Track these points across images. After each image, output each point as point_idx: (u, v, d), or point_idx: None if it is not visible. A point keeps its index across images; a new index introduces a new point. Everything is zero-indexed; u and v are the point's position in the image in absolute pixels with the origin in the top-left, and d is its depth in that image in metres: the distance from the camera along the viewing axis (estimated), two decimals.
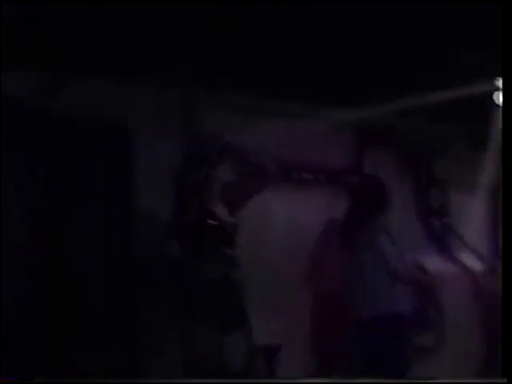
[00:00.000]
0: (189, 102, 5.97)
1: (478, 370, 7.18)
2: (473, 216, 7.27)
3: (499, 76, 6.43)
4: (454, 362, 6.86)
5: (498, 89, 6.56)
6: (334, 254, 6.10)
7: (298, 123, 6.32)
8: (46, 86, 5.06)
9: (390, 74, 6.04)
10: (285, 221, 6.39)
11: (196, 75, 5.81)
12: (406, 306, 5.70)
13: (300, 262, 6.32)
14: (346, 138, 6.97)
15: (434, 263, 6.24)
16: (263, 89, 6.08)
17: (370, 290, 5.58)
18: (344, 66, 5.94)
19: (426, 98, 6.28)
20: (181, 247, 4.91)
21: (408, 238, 6.15)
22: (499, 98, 6.60)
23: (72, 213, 5.27)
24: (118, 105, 5.52)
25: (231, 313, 4.83)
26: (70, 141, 5.25)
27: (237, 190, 5.01)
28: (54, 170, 5.17)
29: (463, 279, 7.34)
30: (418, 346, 5.98)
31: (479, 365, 7.28)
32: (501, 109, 4.56)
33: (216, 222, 4.88)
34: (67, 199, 5.25)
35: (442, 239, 7.20)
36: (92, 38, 5.05)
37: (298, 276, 6.29)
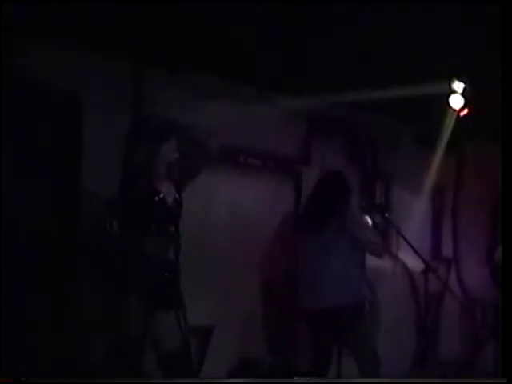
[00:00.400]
0: (138, 80, 5.90)
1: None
2: (415, 214, 7.35)
3: (459, 79, 6.53)
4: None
5: (455, 92, 6.64)
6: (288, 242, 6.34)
7: (247, 107, 6.28)
8: None
9: (344, 66, 6.05)
10: (229, 204, 6.38)
11: (146, 53, 5.77)
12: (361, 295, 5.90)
13: (242, 247, 6.34)
14: (295, 126, 6.96)
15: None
16: (215, 70, 6.05)
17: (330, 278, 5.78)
18: (298, 54, 5.93)
19: (379, 92, 6.31)
20: (122, 223, 4.84)
21: None
22: (455, 101, 6.68)
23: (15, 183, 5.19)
24: (69, 78, 5.43)
25: (166, 292, 4.79)
26: (18, 108, 5.15)
27: (182, 168, 4.96)
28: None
29: (399, 274, 7.45)
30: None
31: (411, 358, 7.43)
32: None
33: (160, 200, 4.83)
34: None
35: (383, 234, 7.26)
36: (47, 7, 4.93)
37: (238, 261, 6.30)
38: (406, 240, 6.45)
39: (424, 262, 6.44)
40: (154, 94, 5.86)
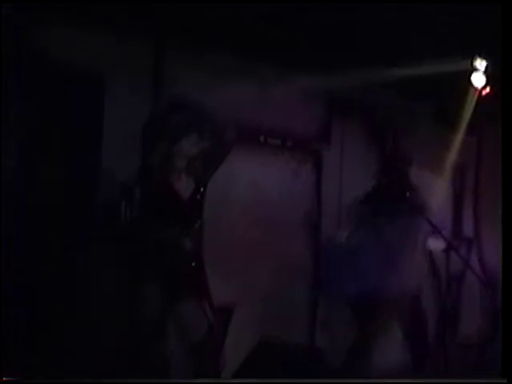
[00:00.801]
0: (157, 60, 5.88)
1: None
2: (436, 193, 7.30)
3: (481, 57, 6.44)
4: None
5: (477, 70, 6.54)
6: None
7: (267, 87, 6.25)
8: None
9: (364, 44, 6.00)
10: (249, 184, 6.37)
11: (165, 33, 5.74)
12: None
13: (264, 228, 6.32)
14: (315, 106, 6.92)
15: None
16: (234, 49, 6.01)
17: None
18: (318, 33, 5.88)
19: (399, 71, 6.25)
20: (143, 212, 4.82)
21: None
22: (477, 80, 6.58)
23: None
24: (92, 61, 5.40)
25: (189, 279, 4.80)
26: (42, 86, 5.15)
27: (202, 162, 4.93)
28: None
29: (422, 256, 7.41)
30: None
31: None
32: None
33: (180, 194, 4.82)
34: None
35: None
36: None
37: (260, 243, 6.29)
38: (427, 219, 6.41)
39: (445, 241, 6.41)
40: (172, 74, 5.84)
